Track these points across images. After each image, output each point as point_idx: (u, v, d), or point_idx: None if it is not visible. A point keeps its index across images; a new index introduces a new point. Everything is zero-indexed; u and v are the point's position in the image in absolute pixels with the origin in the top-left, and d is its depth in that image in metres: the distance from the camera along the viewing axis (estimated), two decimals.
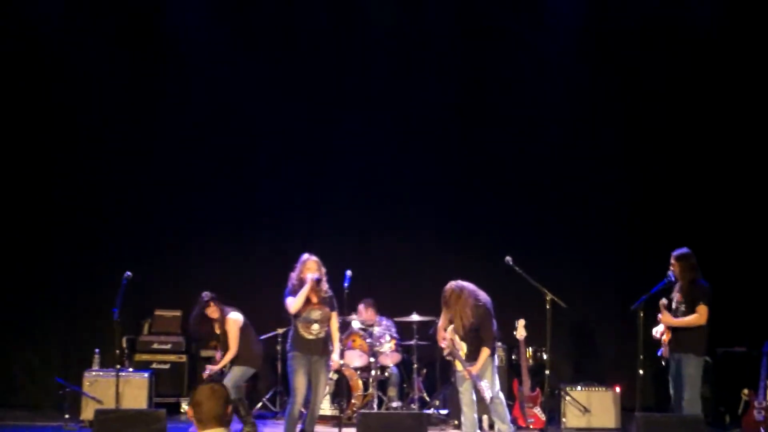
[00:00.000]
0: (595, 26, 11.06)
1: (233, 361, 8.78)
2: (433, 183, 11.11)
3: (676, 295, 8.21)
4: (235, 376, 8.73)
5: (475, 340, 7.92)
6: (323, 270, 8.20)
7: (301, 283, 8.06)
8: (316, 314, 8.09)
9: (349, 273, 8.96)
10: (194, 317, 8.97)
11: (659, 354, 8.25)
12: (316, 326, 8.07)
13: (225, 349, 8.82)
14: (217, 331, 8.93)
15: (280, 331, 10.02)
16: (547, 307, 8.19)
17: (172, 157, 10.94)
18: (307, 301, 8.08)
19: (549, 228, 10.92)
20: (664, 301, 8.14)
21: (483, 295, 7.96)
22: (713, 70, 10.83)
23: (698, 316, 8.00)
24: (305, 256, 8.25)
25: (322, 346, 8.14)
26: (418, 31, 11.14)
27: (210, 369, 8.91)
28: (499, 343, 9.06)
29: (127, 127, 10.94)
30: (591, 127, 11.09)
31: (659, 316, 8.15)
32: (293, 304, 8.02)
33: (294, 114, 11.08)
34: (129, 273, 8.66)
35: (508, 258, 8.38)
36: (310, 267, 8.12)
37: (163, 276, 10.67)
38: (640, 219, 10.91)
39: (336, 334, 8.30)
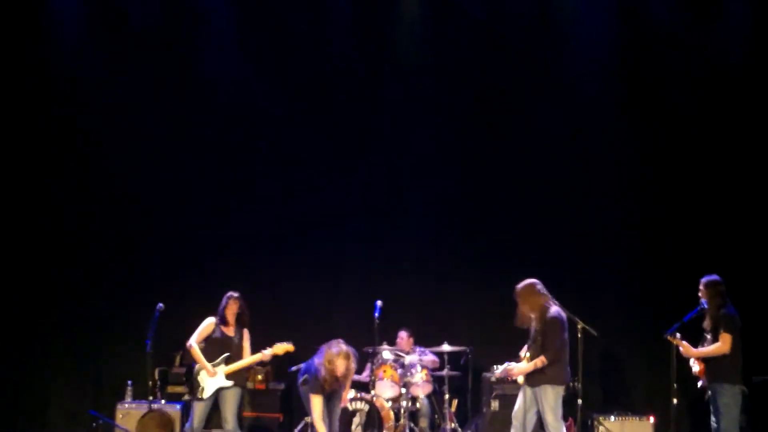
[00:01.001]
0: (621, 55, 11.08)
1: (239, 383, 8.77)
2: (463, 213, 11.12)
3: (707, 322, 8.16)
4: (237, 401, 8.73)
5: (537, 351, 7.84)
6: (354, 364, 8.31)
7: (330, 379, 8.13)
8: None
9: (379, 303, 9.00)
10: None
11: (701, 385, 8.17)
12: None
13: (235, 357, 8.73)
14: (229, 333, 8.78)
15: None
16: (578, 335, 8.16)
17: (205, 189, 11.06)
18: (336, 384, 8.25)
19: (580, 257, 10.85)
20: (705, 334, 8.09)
21: (556, 308, 7.89)
22: (741, 100, 10.82)
23: (720, 345, 7.92)
24: (333, 348, 8.22)
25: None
26: (442, 60, 11.20)
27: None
28: None
29: (161, 158, 11.04)
30: (619, 153, 11.06)
31: (680, 348, 8.07)
32: (314, 411, 8.14)
33: (321, 147, 11.16)
34: (161, 305, 8.72)
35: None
36: (339, 365, 8.15)
37: (196, 308, 10.69)
38: (673, 246, 10.81)
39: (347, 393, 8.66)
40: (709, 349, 7.96)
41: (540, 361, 7.77)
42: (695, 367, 8.12)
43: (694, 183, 10.88)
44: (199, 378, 8.64)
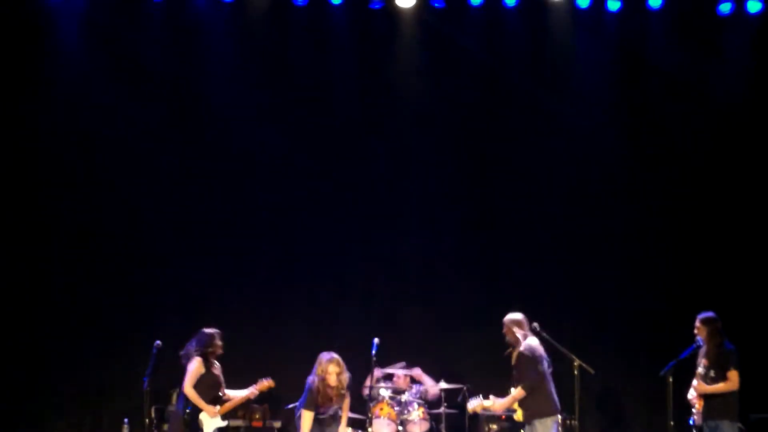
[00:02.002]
0: (620, 93, 11.22)
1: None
2: (460, 249, 11.16)
3: (702, 360, 8.17)
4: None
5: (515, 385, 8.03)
6: (346, 373, 8.48)
7: (321, 391, 8.27)
8: (332, 410, 8.48)
9: (376, 341, 9.00)
10: (207, 337, 8.78)
11: (691, 423, 8.18)
12: (329, 419, 8.48)
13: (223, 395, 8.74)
14: (215, 372, 8.75)
15: None
16: (575, 373, 8.18)
17: (203, 226, 11.05)
18: (328, 399, 8.35)
19: (577, 295, 10.89)
20: (700, 370, 8.09)
21: (528, 343, 8.04)
22: (740, 135, 10.95)
23: (731, 383, 7.96)
24: (324, 356, 8.46)
25: (334, 422, 8.58)
26: (448, 101, 11.28)
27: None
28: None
29: (160, 197, 11.04)
30: (617, 190, 11.16)
31: (694, 383, 8.08)
32: (303, 427, 8.32)
33: (320, 182, 11.21)
34: (159, 342, 8.74)
35: (535, 324, 8.40)
36: (331, 372, 8.34)
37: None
38: (669, 283, 10.88)
39: (346, 412, 8.62)
40: (720, 386, 7.98)
41: (518, 393, 7.94)
42: (697, 404, 8.12)
43: (692, 219, 10.96)
44: (200, 419, 8.60)
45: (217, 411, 8.62)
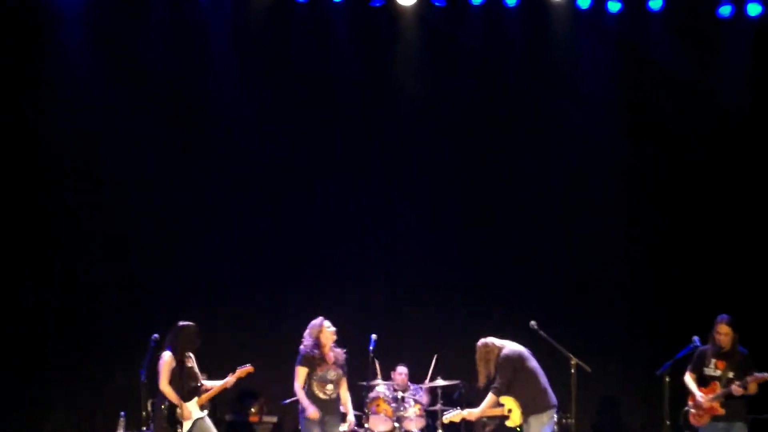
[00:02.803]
0: (621, 94, 11.26)
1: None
2: (459, 248, 11.20)
3: (715, 362, 8.14)
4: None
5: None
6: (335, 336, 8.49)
7: (316, 352, 8.29)
8: (332, 374, 8.37)
9: (374, 337, 9.05)
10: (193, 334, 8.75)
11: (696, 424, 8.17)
12: (330, 386, 8.34)
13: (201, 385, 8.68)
14: (189, 364, 8.66)
15: None
16: (572, 371, 8.20)
17: (203, 224, 11.07)
18: (324, 361, 8.27)
19: (574, 293, 10.94)
20: (715, 373, 8.13)
21: (508, 349, 8.03)
22: (740, 138, 10.99)
23: (755, 386, 7.97)
24: (322, 321, 8.49)
25: (335, 406, 8.45)
26: (448, 101, 11.32)
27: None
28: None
29: (163, 194, 11.05)
30: (618, 191, 11.22)
31: (697, 392, 8.08)
32: (297, 380, 8.31)
33: (321, 181, 11.24)
34: (156, 335, 8.74)
35: (532, 322, 8.44)
36: (325, 327, 8.40)
37: None
38: (668, 282, 10.92)
39: (347, 396, 8.57)
40: (752, 388, 7.94)
41: (489, 398, 8.00)
42: (708, 406, 8.09)
43: (690, 221, 11.01)
44: (177, 414, 8.53)
45: (190, 411, 8.56)
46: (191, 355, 8.72)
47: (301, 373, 8.40)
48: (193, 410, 8.58)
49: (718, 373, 8.11)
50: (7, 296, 10.63)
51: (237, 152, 11.16)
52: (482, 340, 8.15)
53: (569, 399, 8.24)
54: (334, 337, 8.49)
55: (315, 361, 8.36)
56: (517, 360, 7.96)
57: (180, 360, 8.59)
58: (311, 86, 11.19)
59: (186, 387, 8.60)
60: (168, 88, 11.08)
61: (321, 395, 8.33)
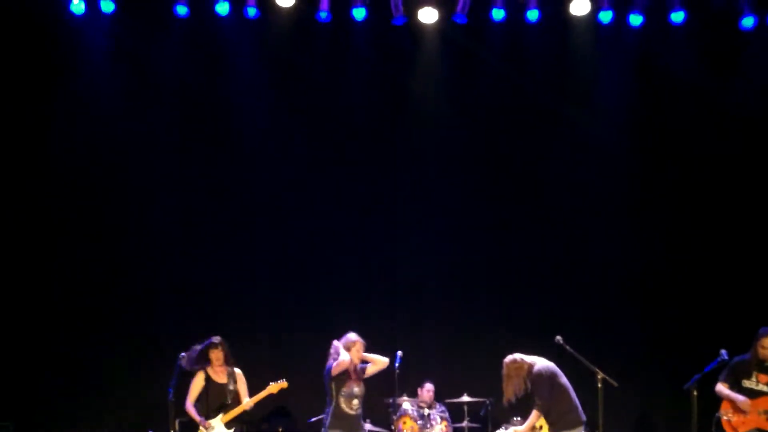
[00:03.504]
0: (640, 107, 11.24)
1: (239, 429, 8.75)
2: (483, 264, 11.20)
3: (755, 375, 8.16)
4: None
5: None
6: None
7: (343, 365, 8.23)
8: (357, 390, 8.34)
9: (399, 354, 9.04)
10: (198, 352, 8.75)
11: None
12: (356, 401, 8.31)
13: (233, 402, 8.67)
14: (220, 381, 8.72)
15: None
16: (599, 386, 8.16)
17: (224, 241, 11.15)
18: (348, 377, 8.27)
19: (600, 308, 10.90)
20: (760, 387, 8.12)
21: (540, 365, 7.99)
22: (760, 150, 10.92)
23: None
24: (357, 338, 8.44)
25: (359, 422, 8.43)
26: (470, 118, 11.35)
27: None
28: None
29: (180, 213, 11.18)
30: (638, 203, 11.17)
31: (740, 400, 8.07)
32: (340, 365, 8.17)
33: (344, 196, 11.29)
34: (184, 354, 8.79)
35: (558, 337, 8.43)
36: (359, 349, 8.37)
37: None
38: (694, 296, 10.85)
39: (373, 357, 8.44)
40: None
41: (534, 415, 7.89)
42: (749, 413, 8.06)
43: (715, 234, 10.95)
44: (200, 430, 8.61)
45: (209, 425, 8.59)
46: (228, 369, 8.75)
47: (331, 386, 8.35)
48: (216, 427, 8.59)
49: (763, 387, 8.10)
50: (33, 316, 10.75)
51: (258, 166, 11.24)
52: (510, 357, 8.07)
53: (596, 414, 8.18)
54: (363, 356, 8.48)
55: (342, 376, 8.36)
56: (551, 376, 7.93)
57: (209, 378, 8.68)
58: (332, 104, 11.28)
59: (215, 403, 8.65)
60: (189, 105, 11.22)
61: (348, 411, 8.31)
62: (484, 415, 10.18)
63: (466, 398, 9.90)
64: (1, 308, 10.76)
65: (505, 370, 8.02)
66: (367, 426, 9.52)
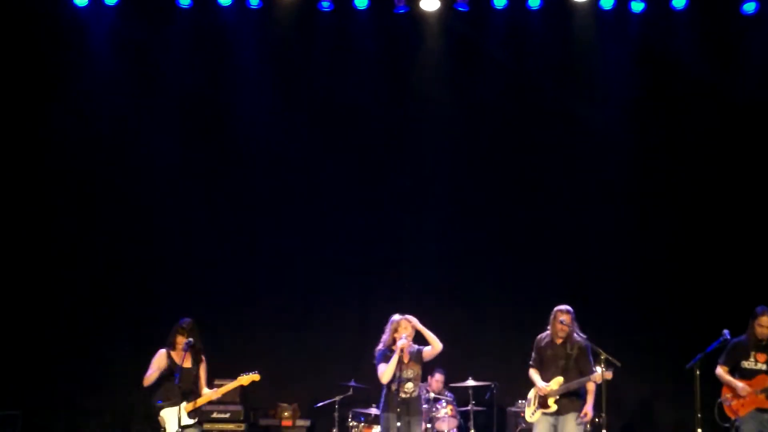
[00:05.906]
0: (642, 96, 11.28)
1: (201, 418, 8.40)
2: (488, 251, 11.25)
3: (753, 354, 8.20)
4: None
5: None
6: (412, 328, 8.17)
7: (393, 345, 8.09)
8: (409, 373, 8.16)
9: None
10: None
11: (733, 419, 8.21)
12: (410, 385, 8.13)
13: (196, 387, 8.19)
14: (185, 365, 8.08)
15: (338, 398, 10.11)
16: (602, 366, 8.19)
17: (234, 236, 11.26)
18: (400, 362, 8.07)
19: (603, 292, 10.93)
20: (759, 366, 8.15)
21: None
22: (762, 140, 10.93)
23: None
24: (395, 316, 8.31)
25: (416, 405, 8.19)
26: (472, 105, 11.39)
27: None
28: None
29: (182, 209, 11.28)
30: (642, 192, 11.21)
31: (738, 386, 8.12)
32: (385, 374, 8.05)
33: (345, 188, 11.37)
34: (191, 339, 8.80)
35: (562, 318, 8.42)
36: (404, 327, 8.14)
37: (222, 347, 10.80)
38: (695, 278, 10.89)
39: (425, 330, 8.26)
40: None
41: (592, 387, 7.98)
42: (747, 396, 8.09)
43: (718, 219, 10.97)
44: (161, 417, 8.13)
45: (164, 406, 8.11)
46: (198, 357, 8.27)
47: (381, 367, 8.12)
48: (179, 415, 7.99)
49: (761, 366, 8.12)
50: (40, 306, 10.83)
51: (260, 159, 11.35)
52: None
53: (600, 394, 8.19)
54: (412, 333, 8.19)
55: (391, 349, 8.15)
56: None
57: (171, 359, 8.18)
58: (334, 93, 11.35)
59: (177, 388, 8.05)
60: (191, 96, 11.32)
61: (402, 394, 8.06)
62: (489, 399, 10.22)
63: (471, 382, 9.93)
64: (9, 299, 10.85)
65: (572, 316, 8.10)
66: (372, 410, 9.58)
